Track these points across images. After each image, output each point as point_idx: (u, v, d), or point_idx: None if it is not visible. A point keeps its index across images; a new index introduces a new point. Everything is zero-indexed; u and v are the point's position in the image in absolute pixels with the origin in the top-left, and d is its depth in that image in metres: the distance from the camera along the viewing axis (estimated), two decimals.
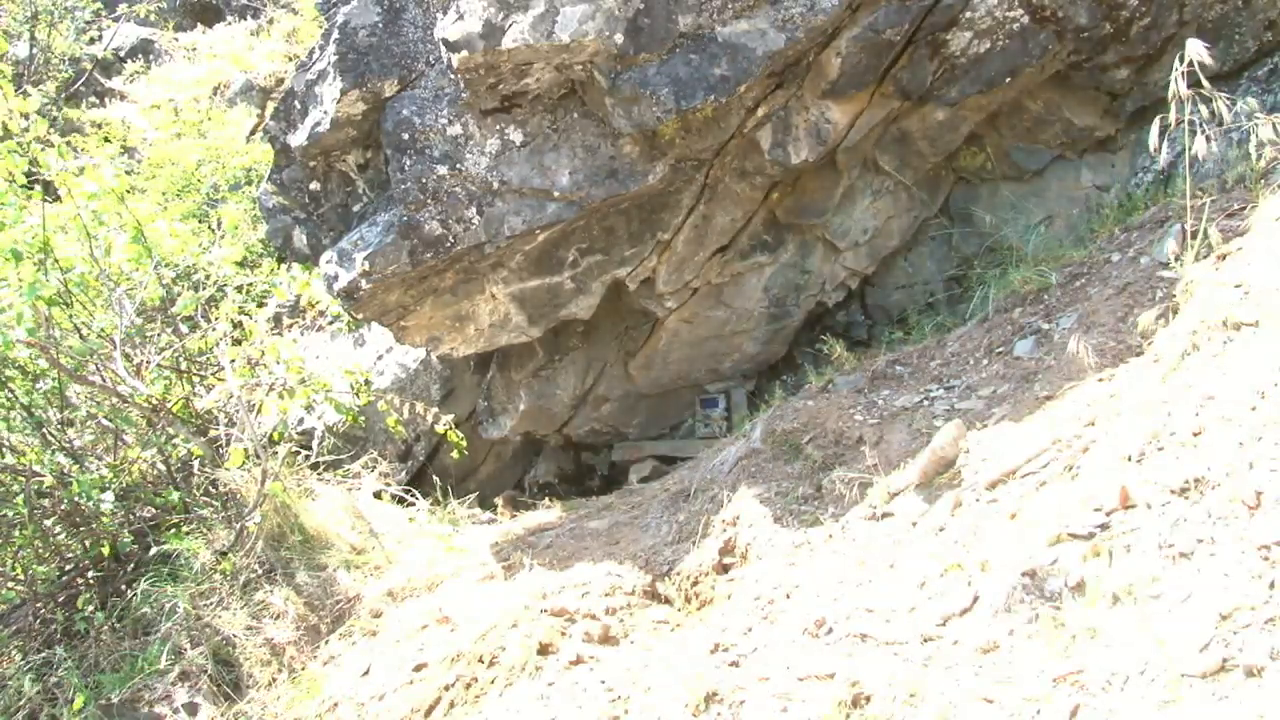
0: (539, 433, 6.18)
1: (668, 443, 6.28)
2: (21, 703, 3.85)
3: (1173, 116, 3.12)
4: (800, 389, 5.04)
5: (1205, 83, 3.03)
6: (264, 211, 5.63)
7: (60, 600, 4.38)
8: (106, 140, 7.87)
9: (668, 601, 3.80)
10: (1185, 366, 2.87)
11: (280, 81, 7.75)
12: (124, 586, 4.42)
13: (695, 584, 3.78)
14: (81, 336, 4.59)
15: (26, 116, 4.66)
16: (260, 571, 4.31)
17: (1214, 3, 4.66)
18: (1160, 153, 3.46)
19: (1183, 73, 3.04)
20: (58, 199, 4.57)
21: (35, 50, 9.07)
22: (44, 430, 4.57)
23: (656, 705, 2.74)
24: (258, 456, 4.24)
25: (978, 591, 2.49)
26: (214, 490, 4.63)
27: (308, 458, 5.09)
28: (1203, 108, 3.11)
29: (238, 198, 7.08)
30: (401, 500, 5.19)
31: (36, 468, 4.43)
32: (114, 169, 4.47)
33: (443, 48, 4.39)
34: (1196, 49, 2.98)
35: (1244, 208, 3.67)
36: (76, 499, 4.35)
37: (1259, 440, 2.24)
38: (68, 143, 6.02)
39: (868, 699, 2.32)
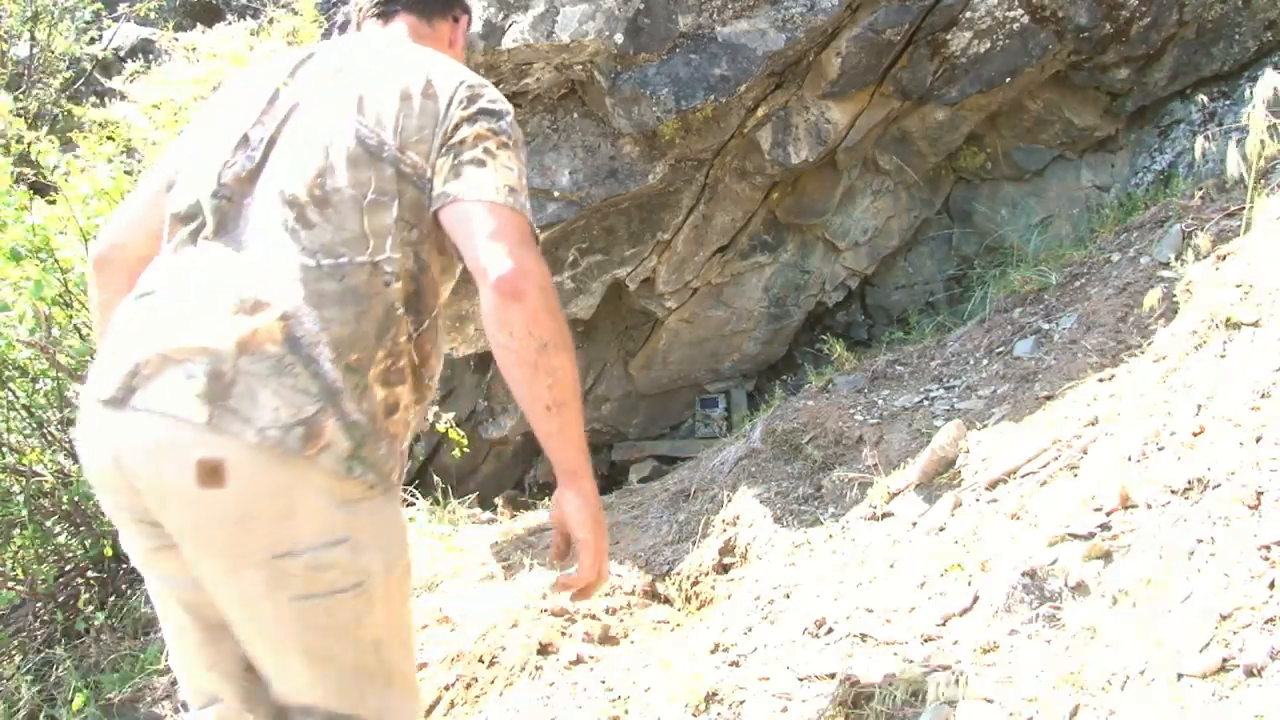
0: None
1: (668, 443, 6.28)
2: (21, 703, 3.85)
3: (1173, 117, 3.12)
4: (800, 389, 5.04)
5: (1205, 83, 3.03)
6: None
7: (60, 600, 4.38)
8: (111, 139, 7.85)
9: (668, 601, 3.80)
10: (1185, 366, 2.87)
11: None
12: (124, 586, 4.41)
13: (695, 584, 3.78)
14: (81, 336, 4.59)
15: (26, 129, 4.66)
16: None
17: (1214, 3, 4.66)
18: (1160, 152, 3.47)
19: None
20: (53, 200, 4.57)
21: (35, 50, 9.05)
22: (44, 430, 4.57)
23: (656, 705, 2.74)
24: None
25: (978, 591, 2.49)
26: None
27: None
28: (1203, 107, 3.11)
29: None
30: (401, 500, 5.17)
31: (37, 468, 4.42)
32: (113, 169, 4.46)
33: None
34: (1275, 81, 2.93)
35: (1244, 208, 3.67)
36: (76, 499, 4.35)
37: (1259, 440, 2.24)
38: (68, 140, 6.00)
39: (868, 699, 2.32)
